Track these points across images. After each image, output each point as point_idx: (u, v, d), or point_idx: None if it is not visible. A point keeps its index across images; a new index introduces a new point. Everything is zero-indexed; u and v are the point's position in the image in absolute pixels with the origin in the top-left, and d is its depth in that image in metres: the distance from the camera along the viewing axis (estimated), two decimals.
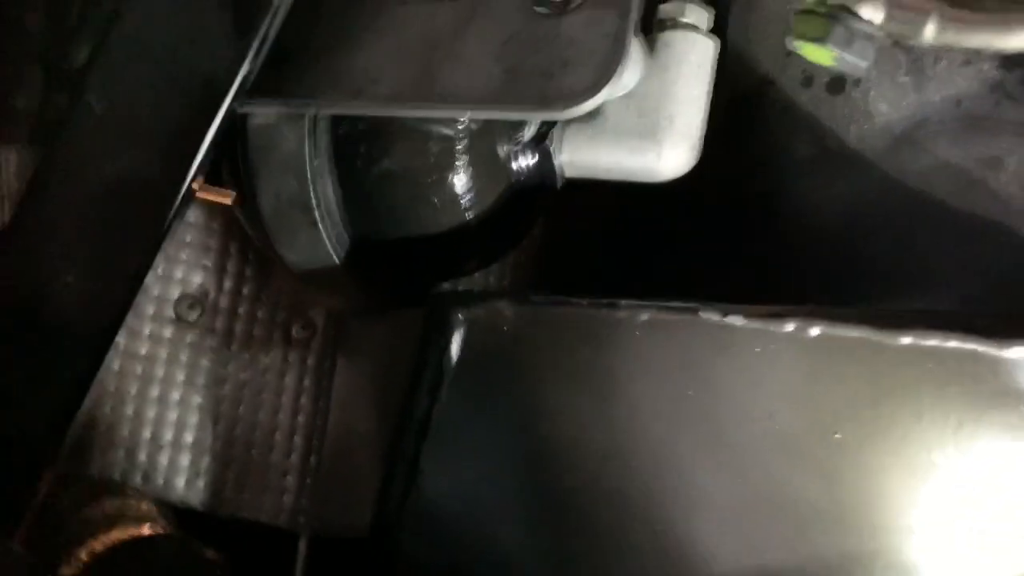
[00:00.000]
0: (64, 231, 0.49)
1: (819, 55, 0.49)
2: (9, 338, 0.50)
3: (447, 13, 0.54)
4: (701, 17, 0.58)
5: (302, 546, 0.73)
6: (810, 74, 0.60)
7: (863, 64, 0.48)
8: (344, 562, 0.68)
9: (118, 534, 0.59)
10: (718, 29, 0.59)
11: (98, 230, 0.50)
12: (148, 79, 0.49)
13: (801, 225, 0.60)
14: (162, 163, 0.50)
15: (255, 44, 0.50)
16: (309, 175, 0.58)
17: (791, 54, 0.57)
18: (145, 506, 0.64)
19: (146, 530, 0.60)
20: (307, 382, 0.74)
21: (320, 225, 0.60)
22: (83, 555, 0.56)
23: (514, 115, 0.55)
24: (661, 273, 0.68)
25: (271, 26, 0.51)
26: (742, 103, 0.63)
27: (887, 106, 0.57)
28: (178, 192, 0.51)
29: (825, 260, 0.58)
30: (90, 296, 0.50)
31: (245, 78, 0.50)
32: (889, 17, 0.46)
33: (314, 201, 0.59)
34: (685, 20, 0.57)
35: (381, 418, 0.64)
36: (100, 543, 0.57)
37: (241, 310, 0.73)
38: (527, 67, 0.52)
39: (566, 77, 0.52)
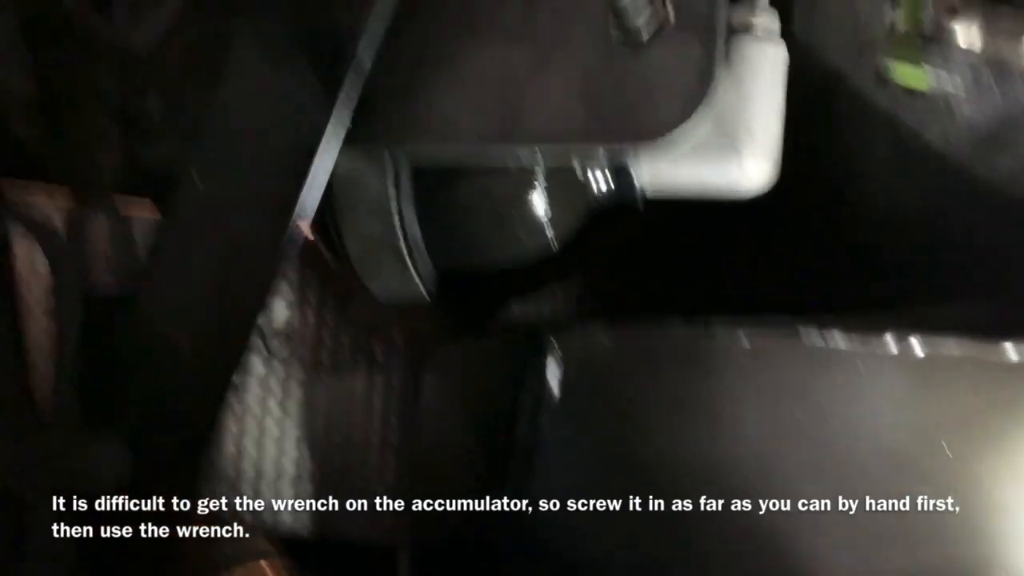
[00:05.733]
0: (182, 296, 0.51)
1: (914, 78, 0.49)
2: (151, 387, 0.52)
3: (526, 53, 0.54)
4: (773, 23, 0.58)
5: (403, 559, 0.76)
6: (884, 75, 0.60)
7: (958, 87, 0.48)
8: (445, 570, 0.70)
9: (240, 572, 0.62)
10: (783, 31, 0.59)
11: (212, 292, 0.52)
12: (243, 152, 0.50)
13: (878, 228, 0.60)
14: (264, 226, 0.51)
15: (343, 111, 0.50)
16: (395, 218, 0.59)
17: (863, 52, 0.57)
18: (260, 542, 0.66)
19: (264, 565, 0.63)
20: (394, 402, 0.76)
21: (409, 264, 0.61)
22: None
23: (603, 150, 0.55)
24: (728, 280, 0.68)
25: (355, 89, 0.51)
26: (813, 104, 0.62)
27: (970, 106, 0.56)
28: (279, 249, 0.53)
29: (904, 263, 0.58)
30: (214, 345, 0.53)
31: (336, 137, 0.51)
32: (988, 42, 0.46)
33: (402, 243, 0.60)
34: (757, 28, 0.57)
35: (469, 436, 0.66)
36: None
37: (326, 337, 0.75)
38: (612, 102, 0.52)
39: (654, 109, 0.52)
